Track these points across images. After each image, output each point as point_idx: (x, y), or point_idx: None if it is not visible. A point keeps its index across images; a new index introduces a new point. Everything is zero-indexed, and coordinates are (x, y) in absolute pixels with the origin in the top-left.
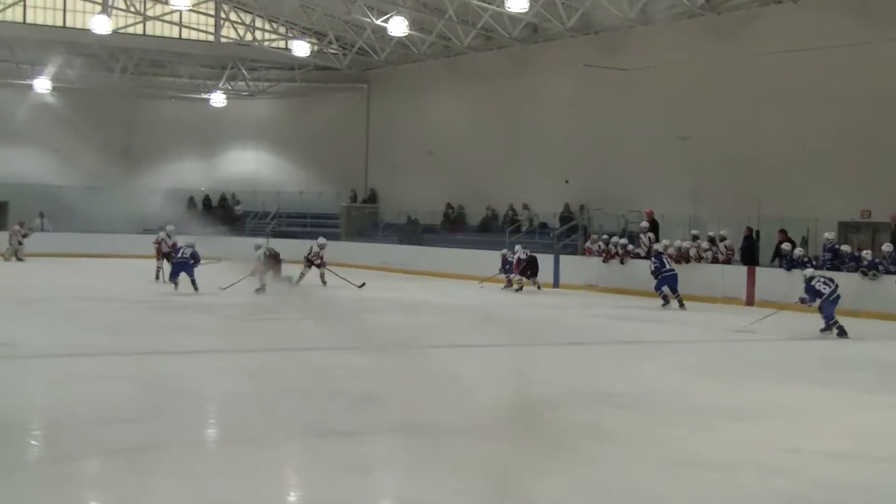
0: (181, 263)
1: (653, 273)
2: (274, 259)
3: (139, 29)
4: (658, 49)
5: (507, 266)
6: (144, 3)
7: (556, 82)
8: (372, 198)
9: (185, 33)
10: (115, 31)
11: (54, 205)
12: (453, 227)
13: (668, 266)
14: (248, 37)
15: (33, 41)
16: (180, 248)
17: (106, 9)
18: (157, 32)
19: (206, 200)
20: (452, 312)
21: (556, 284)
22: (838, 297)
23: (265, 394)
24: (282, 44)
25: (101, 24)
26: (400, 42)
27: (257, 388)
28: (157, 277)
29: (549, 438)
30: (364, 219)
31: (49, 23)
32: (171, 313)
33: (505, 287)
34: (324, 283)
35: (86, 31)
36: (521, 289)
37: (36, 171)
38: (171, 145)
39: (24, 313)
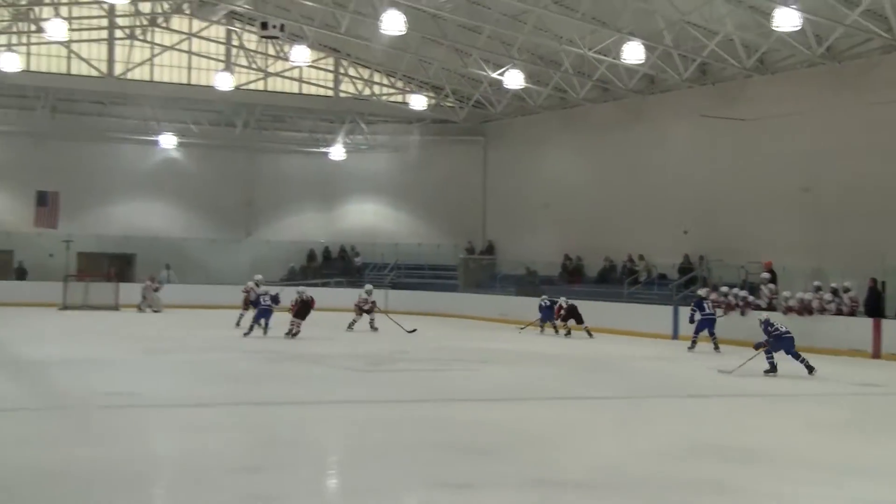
0: (265, 310)
1: (690, 319)
2: (304, 305)
3: (260, 85)
4: (777, 98)
5: (544, 313)
6: (266, 59)
7: (673, 133)
8: (489, 249)
9: (305, 88)
10: (237, 88)
11: (179, 257)
12: (571, 279)
13: (708, 310)
14: (367, 91)
15: (159, 98)
16: (266, 295)
17: (229, 66)
18: (278, 88)
19: (326, 252)
20: (562, 363)
21: (674, 336)
22: None
23: (384, 445)
24: (399, 97)
25: (225, 81)
26: (516, 95)
27: (375, 439)
28: (238, 324)
29: (672, 494)
30: (482, 270)
31: (174, 80)
32: (288, 364)
33: (540, 332)
34: (373, 328)
35: (209, 88)
36: (569, 333)
37: (162, 225)
38: (291, 198)
39: (148, 364)
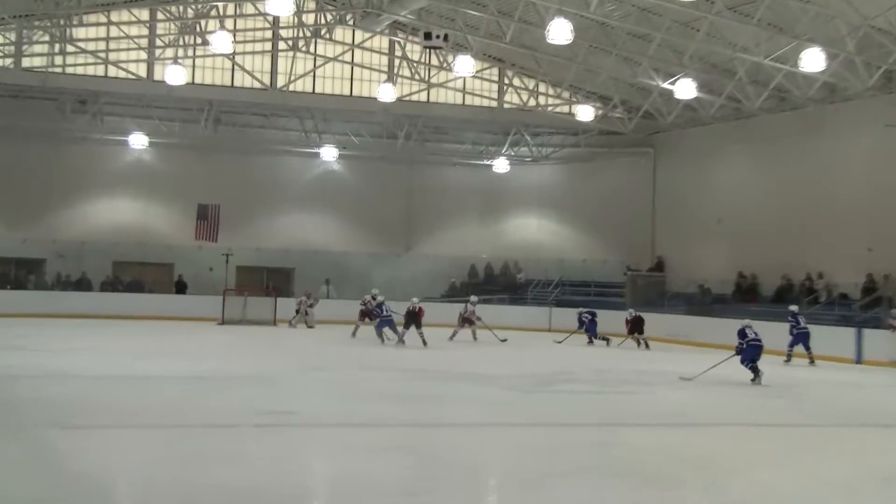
0: (386, 320)
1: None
2: (410, 315)
3: (423, 96)
4: None
5: (583, 325)
6: (429, 70)
7: (855, 144)
8: (658, 266)
9: (469, 100)
10: (399, 99)
11: (338, 272)
12: (746, 297)
13: (802, 324)
14: (532, 102)
15: (321, 110)
16: (384, 306)
17: (391, 77)
18: (441, 99)
19: (488, 268)
20: (733, 386)
21: (858, 360)
22: None
23: (545, 471)
24: (565, 108)
25: (387, 93)
26: (687, 105)
27: (536, 464)
28: (354, 335)
29: None
30: (650, 288)
31: (336, 92)
32: (449, 383)
33: (588, 343)
34: (475, 338)
35: (371, 100)
36: (646, 345)
37: (321, 238)
38: (452, 212)
39: (305, 381)
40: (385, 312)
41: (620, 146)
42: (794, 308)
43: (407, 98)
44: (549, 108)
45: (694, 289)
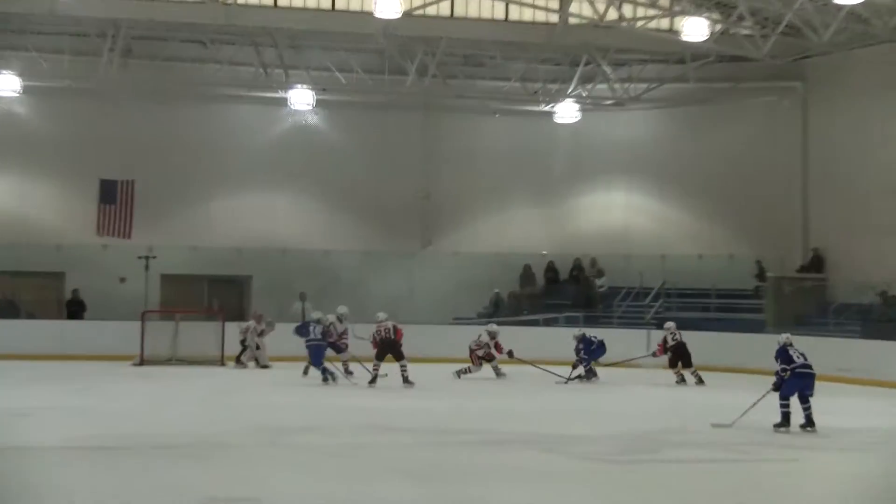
0: (315, 345)
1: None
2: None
3: (444, 9)
4: None
5: (596, 352)
6: None
7: None
8: (815, 264)
9: (515, 12)
10: (408, 14)
11: (319, 281)
12: None
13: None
14: (612, 15)
15: (288, 32)
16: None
17: None
18: (472, 14)
19: (551, 269)
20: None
21: None
22: None
23: None
24: (664, 23)
25: (389, 4)
26: (852, 13)
27: None
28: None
29: None
30: (803, 297)
31: (311, 6)
32: (489, 450)
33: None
34: (499, 374)
35: (365, 16)
36: (682, 379)
37: (291, 231)
38: (492, 186)
39: (272, 452)
40: (312, 333)
41: (751, 80)
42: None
43: (419, 12)
44: (640, 23)
45: (871, 298)
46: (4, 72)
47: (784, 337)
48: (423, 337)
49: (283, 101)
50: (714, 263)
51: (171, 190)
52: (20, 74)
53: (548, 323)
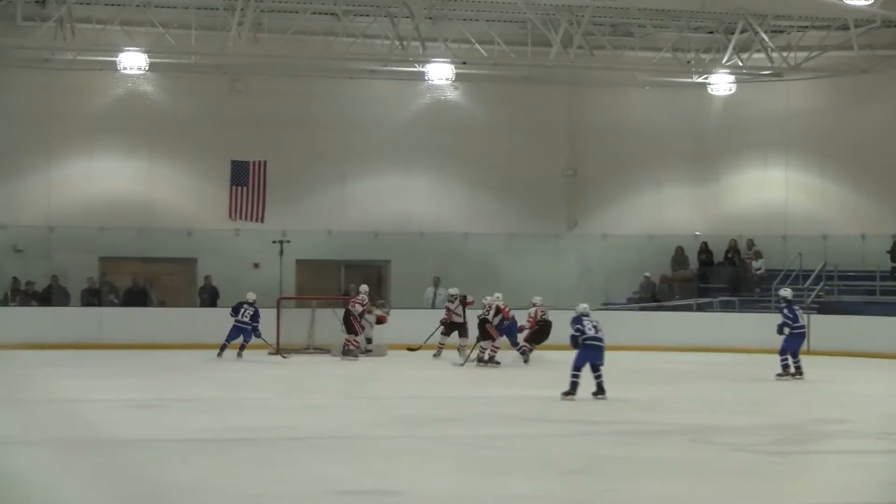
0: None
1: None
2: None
3: None
4: None
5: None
6: None
7: None
8: None
9: None
10: None
11: (459, 265)
12: None
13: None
14: None
15: (426, 2)
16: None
17: None
18: None
19: (704, 251)
20: None
21: None
22: None
23: None
24: None
25: None
26: None
27: None
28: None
29: None
30: None
31: None
32: (644, 442)
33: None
34: (525, 358)
35: None
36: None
37: (430, 214)
38: (641, 164)
39: (409, 444)
40: (242, 315)
41: None
42: (786, 293)
43: None
44: None
45: None
46: (130, 48)
47: (582, 307)
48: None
49: (420, 76)
50: (879, 244)
51: (305, 171)
52: (146, 51)
53: (701, 308)
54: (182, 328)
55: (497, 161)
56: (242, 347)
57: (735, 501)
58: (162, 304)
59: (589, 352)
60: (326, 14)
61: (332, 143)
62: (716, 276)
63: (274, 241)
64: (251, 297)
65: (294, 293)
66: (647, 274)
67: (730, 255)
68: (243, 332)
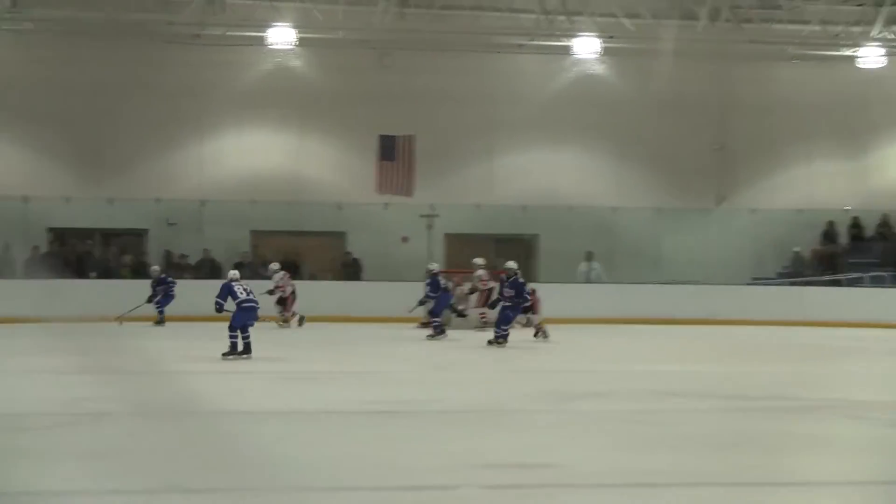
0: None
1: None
2: None
3: None
4: None
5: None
6: None
7: None
8: None
9: None
10: None
11: (607, 239)
12: None
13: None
14: None
15: None
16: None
17: None
18: None
19: (855, 226)
20: None
21: None
22: None
23: None
24: None
25: None
26: None
27: None
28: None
29: None
30: None
31: None
32: (797, 417)
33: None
34: (543, 336)
35: None
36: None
37: (578, 188)
38: (789, 138)
39: (559, 418)
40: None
41: None
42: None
43: None
44: None
45: None
46: (279, 24)
47: (232, 273)
48: (720, 298)
49: (566, 50)
50: None
51: (452, 145)
52: (294, 26)
53: (851, 283)
54: (330, 301)
55: (644, 135)
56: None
57: (891, 476)
58: (312, 277)
59: (247, 313)
60: None
61: (480, 118)
62: (866, 251)
63: (422, 215)
64: (234, 274)
65: (443, 267)
66: (796, 248)
67: (881, 230)
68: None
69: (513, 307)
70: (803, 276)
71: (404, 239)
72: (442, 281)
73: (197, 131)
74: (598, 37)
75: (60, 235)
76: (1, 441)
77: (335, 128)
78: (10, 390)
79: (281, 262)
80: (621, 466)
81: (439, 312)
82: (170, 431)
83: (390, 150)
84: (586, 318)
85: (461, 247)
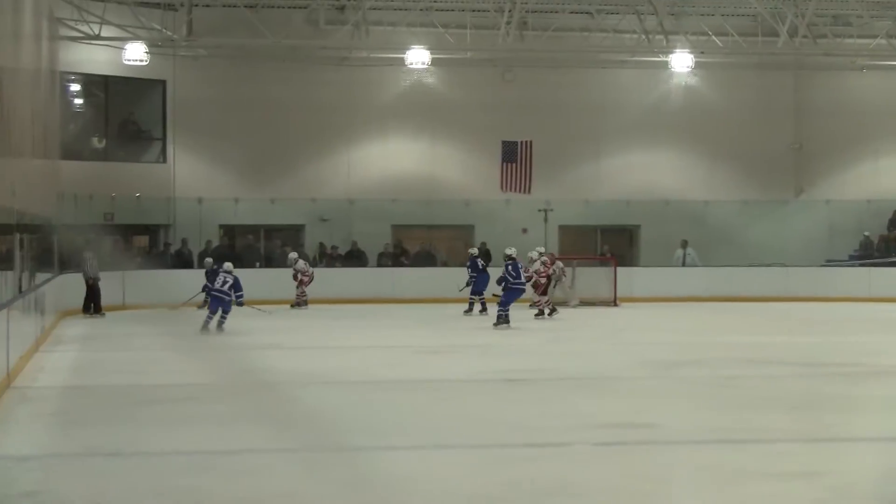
0: (217, 298)
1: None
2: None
3: None
4: None
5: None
6: None
7: None
8: None
9: None
10: None
11: (700, 228)
12: None
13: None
14: None
15: (668, 1)
16: (219, 271)
17: None
18: None
19: None
20: None
21: None
22: None
23: None
24: None
25: None
26: None
27: None
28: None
29: None
30: None
31: None
32: (872, 383)
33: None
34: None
35: None
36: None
37: (674, 184)
38: (859, 137)
39: (660, 384)
40: (220, 284)
41: None
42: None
43: None
44: None
45: None
46: (415, 46)
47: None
48: (798, 278)
49: (664, 65)
50: None
51: (565, 148)
52: (429, 48)
53: None
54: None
55: (731, 137)
56: (223, 319)
57: None
58: (444, 264)
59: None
60: (582, 13)
61: (588, 124)
62: None
63: (539, 210)
64: (227, 266)
65: (557, 254)
66: (866, 233)
67: None
68: (222, 304)
69: (515, 290)
70: (871, 259)
71: (524, 230)
72: (480, 263)
73: (345, 140)
74: (691, 52)
75: (230, 231)
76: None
77: (463, 135)
78: (198, 363)
79: (417, 252)
80: (713, 426)
81: (481, 291)
82: (323, 397)
83: (512, 153)
84: (682, 297)
85: (573, 236)
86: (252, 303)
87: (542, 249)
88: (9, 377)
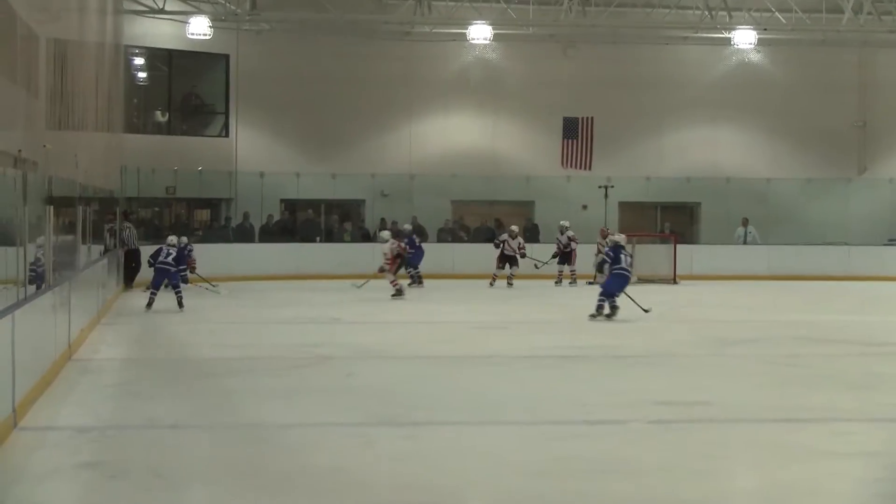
0: (163, 270)
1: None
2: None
3: None
4: None
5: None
6: None
7: None
8: None
9: None
10: None
11: (761, 207)
12: None
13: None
14: None
15: None
16: (164, 247)
17: None
18: None
19: None
20: None
21: None
22: None
23: None
24: None
25: None
26: None
27: None
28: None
29: None
30: None
31: None
32: None
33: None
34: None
35: None
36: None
37: (734, 161)
38: None
39: (718, 362)
40: (162, 256)
41: None
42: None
43: None
44: None
45: None
46: (478, 21)
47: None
48: (860, 257)
49: (726, 41)
50: None
51: (626, 125)
52: (491, 23)
53: None
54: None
55: (794, 114)
56: (179, 295)
57: None
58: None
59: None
60: None
61: (650, 101)
62: None
63: (600, 186)
64: (171, 240)
65: (617, 231)
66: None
67: None
68: (168, 275)
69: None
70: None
71: (584, 207)
72: (416, 240)
73: (407, 115)
74: (754, 29)
75: (291, 206)
76: (252, 381)
77: (524, 111)
78: (257, 337)
79: (477, 227)
80: (770, 404)
81: (416, 265)
82: (380, 372)
83: (573, 129)
84: (743, 275)
85: (633, 213)
86: (298, 278)
87: (567, 223)
88: (70, 349)
